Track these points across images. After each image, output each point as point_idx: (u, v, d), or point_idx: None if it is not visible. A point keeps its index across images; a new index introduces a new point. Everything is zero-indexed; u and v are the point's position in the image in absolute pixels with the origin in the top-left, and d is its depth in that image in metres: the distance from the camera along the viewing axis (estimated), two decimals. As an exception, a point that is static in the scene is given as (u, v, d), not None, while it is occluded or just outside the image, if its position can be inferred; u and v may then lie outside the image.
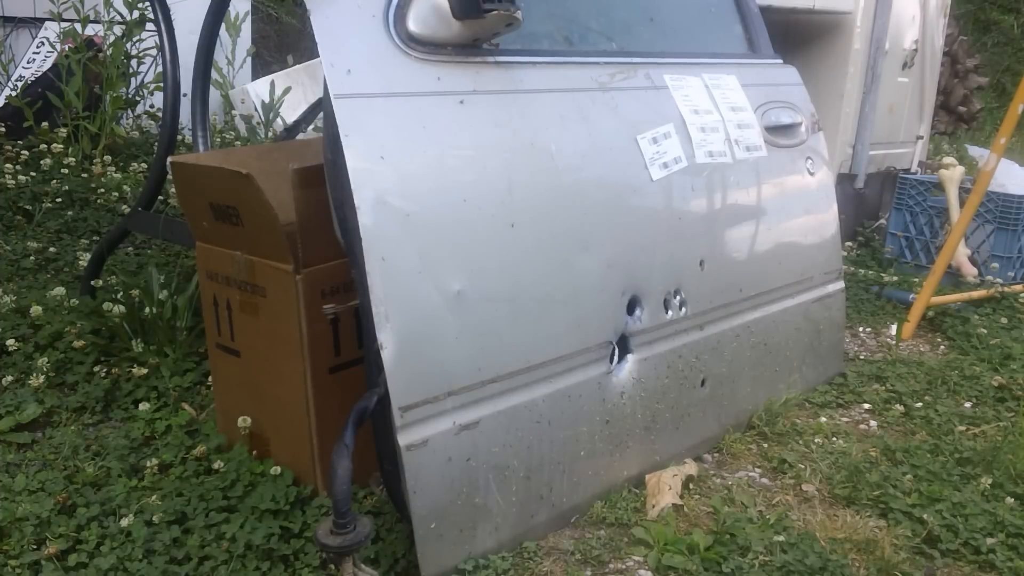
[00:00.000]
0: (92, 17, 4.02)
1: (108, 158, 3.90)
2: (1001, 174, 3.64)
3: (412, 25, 1.59)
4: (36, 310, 2.37)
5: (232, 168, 1.64)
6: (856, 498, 1.96)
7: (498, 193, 1.63)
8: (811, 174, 2.44)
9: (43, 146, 3.81)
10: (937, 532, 1.81)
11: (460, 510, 1.58)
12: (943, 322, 3.14)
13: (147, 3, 3.78)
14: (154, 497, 1.74)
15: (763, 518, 1.85)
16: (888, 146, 4.18)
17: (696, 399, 2.08)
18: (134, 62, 4.20)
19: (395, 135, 1.51)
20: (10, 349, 2.26)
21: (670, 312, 1.97)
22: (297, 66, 5.23)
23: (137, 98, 4.32)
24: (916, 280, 3.51)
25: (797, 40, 3.75)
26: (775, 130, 2.33)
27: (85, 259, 2.83)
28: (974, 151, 5.06)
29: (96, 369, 2.24)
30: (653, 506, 1.85)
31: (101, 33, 4.04)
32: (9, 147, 3.82)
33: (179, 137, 3.20)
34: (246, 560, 1.58)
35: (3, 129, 3.89)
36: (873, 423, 2.41)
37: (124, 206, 3.50)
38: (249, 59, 5.26)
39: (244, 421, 1.85)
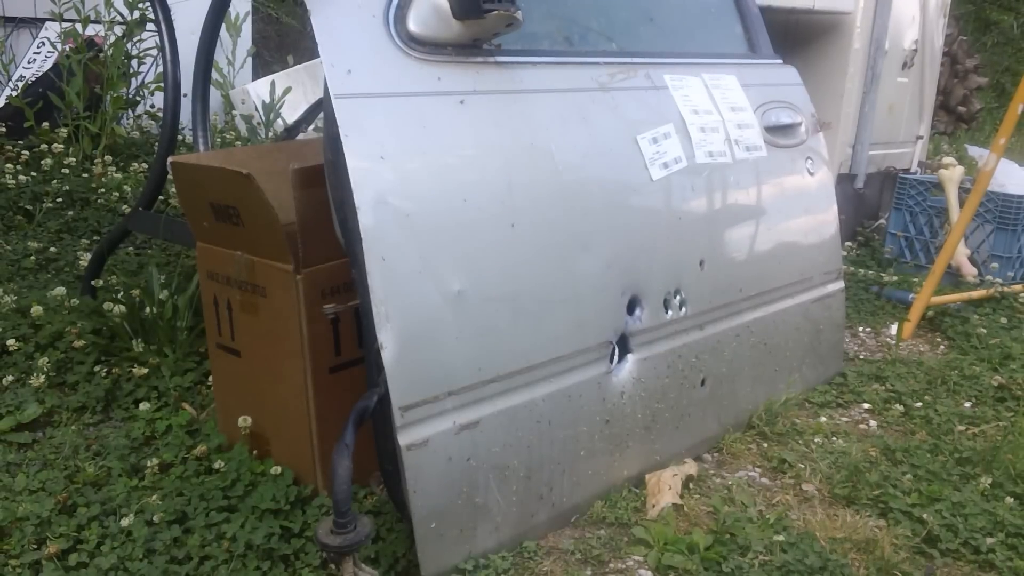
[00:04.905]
0: (93, 17, 4.03)
1: (109, 158, 3.90)
2: (1001, 174, 3.64)
3: (412, 25, 1.59)
4: (37, 310, 2.37)
5: (232, 168, 1.64)
6: (856, 498, 1.96)
7: (498, 193, 1.63)
8: (811, 174, 2.44)
9: (44, 146, 3.81)
10: (937, 532, 1.81)
11: (460, 510, 1.58)
12: (943, 322, 3.14)
13: (147, 3, 3.79)
14: (155, 497, 1.74)
15: (763, 518, 1.85)
16: (888, 146, 4.18)
17: (696, 399, 2.09)
18: (135, 62, 4.20)
19: (395, 135, 1.51)
20: (11, 349, 2.26)
21: (670, 312, 1.98)
22: (297, 66, 5.23)
23: (138, 98, 4.33)
24: (916, 280, 3.51)
25: (797, 40, 3.75)
26: (775, 130, 2.33)
27: (85, 259, 2.83)
28: (974, 151, 5.05)
29: (97, 369, 2.24)
30: (653, 506, 1.86)
31: (102, 33, 4.05)
32: (10, 147, 3.83)
33: (179, 137, 3.21)
34: (246, 560, 1.58)
35: (4, 129, 3.89)
36: (873, 423, 2.41)
37: (124, 206, 3.50)
38: (249, 59, 5.26)
39: (244, 421, 1.85)
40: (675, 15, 2.31)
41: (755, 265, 2.23)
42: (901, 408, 2.45)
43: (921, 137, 4.43)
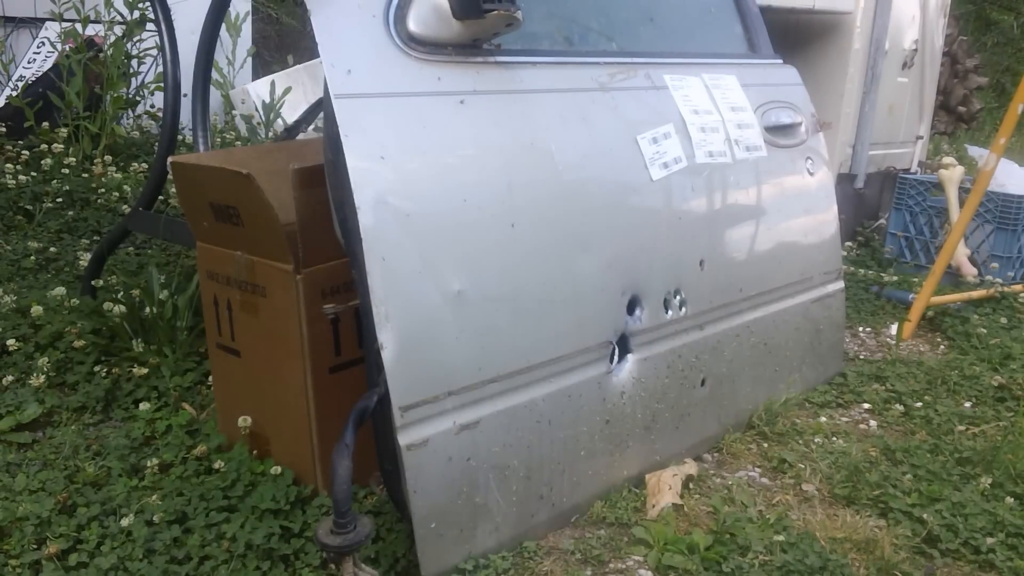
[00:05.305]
0: (92, 17, 4.03)
1: (109, 158, 3.90)
2: (1001, 174, 3.64)
3: (412, 25, 1.59)
4: (37, 310, 2.37)
5: (232, 168, 1.64)
6: (856, 498, 1.96)
7: (498, 193, 1.63)
8: (811, 174, 2.44)
9: (44, 146, 3.81)
10: (937, 532, 1.81)
11: (460, 510, 1.58)
12: (943, 322, 3.14)
13: (147, 3, 3.79)
14: (155, 497, 1.74)
15: (763, 518, 1.85)
16: (888, 146, 4.18)
17: (696, 399, 2.09)
18: (134, 62, 4.20)
19: (395, 135, 1.51)
20: (11, 349, 2.26)
21: (670, 312, 1.98)
22: (297, 66, 5.23)
23: (138, 98, 4.33)
24: (916, 280, 3.51)
25: (797, 40, 3.75)
26: (775, 130, 2.33)
27: (85, 259, 2.83)
28: (974, 151, 5.05)
29: (96, 369, 2.24)
30: (653, 506, 1.86)
31: (102, 33, 4.05)
32: (10, 147, 3.83)
33: (179, 137, 3.21)
34: (246, 560, 1.58)
35: (4, 129, 3.89)
36: (873, 423, 2.41)
37: (124, 206, 3.50)
38: (249, 59, 5.26)
39: (244, 421, 1.85)
40: (675, 15, 2.30)
41: (755, 265, 2.23)
42: (901, 408, 2.45)
43: (921, 137, 4.43)
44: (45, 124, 3.90)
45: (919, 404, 2.48)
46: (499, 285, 1.61)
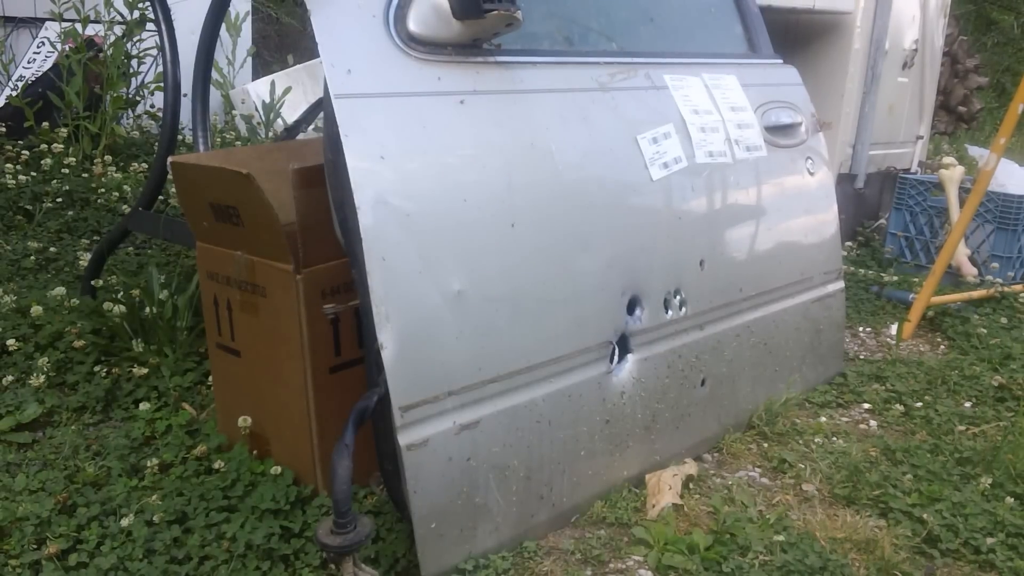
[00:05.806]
0: (92, 17, 4.03)
1: (108, 158, 3.90)
2: (1001, 174, 3.64)
3: (412, 25, 1.59)
4: (36, 310, 2.37)
5: (232, 168, 1.64)
6: (856, 498, 1.96)
7: (498, 193, 1.63)
8: (811, 174, 2.44)
9: (44, 146, 3.81)
10: (937, 532, 1.81)
11: (460, 510, 1.58)
12: (943, 322, 3.14)
13: (147, 3, 3.79)
14: (154, 497, 1.74)
15: (763, 518, 1.85)
16: (888, 146, 4.18)
17: (696, 399, 2.09)
18: (134, 62, 4.20)
19: (395, 135, 1.51)
20: (10, 349, 2.26)
21: (670, 312, 1.98)
22: (297, 66, 5.24)
23: (138, 98, 4.33)
24: (916, 280, 3.51)
25: (797, 40, 3.75)
26: (775, 130, 2.33)
27: (85, 259, 2.83)
28: (974, 151, 5.06)
29: (96, 369, 2.24)
30: (653, 506, 1.86)
31: (101, 33, 4.05)
32: (10, 147, 3.83)
33: (179, 137, 3.21)
34: (246, 560, 1.58)
35: (4, 129, 3.89)
36: (873, 423, 2.41)
37: (124, 206, 3.50)
38: (249, 59, 5.27)
39: (244, 421, 1.85)
40: (675, 15, 2.30)
41: (755, 265, 2.23)
42: (901, 408, 2.45)
43: (921, 137, 4.43)
44: (45, 124, 3.90)
45: (919, 404, 2.48)
46: (499, 285, 1.61)
